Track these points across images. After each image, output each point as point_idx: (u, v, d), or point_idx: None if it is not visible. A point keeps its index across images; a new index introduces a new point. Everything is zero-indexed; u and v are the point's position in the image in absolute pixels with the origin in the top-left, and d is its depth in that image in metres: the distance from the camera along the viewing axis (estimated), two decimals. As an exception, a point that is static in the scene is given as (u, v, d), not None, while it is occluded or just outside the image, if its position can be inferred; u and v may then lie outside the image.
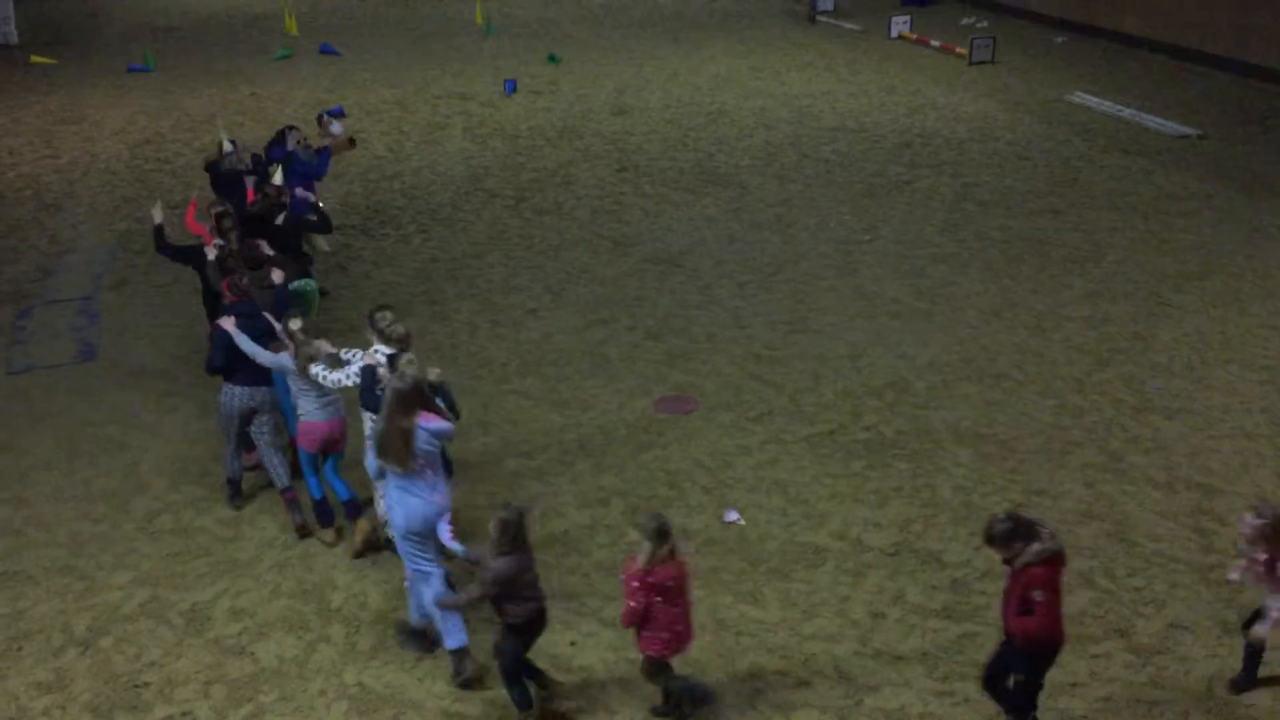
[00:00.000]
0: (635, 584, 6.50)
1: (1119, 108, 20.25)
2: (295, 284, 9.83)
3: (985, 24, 27.84)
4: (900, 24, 26.68)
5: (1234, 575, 6.99)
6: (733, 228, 15.03)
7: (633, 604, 6.53)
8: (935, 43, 25.46)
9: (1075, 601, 7.92)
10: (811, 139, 18.81)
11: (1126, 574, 8.23)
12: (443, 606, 7.20)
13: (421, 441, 7.13)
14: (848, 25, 28.13)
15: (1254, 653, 7.14)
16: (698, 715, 7.00)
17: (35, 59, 24.46)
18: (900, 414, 10.41)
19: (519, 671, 6.90)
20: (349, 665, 7.47)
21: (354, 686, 7.30)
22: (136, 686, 7.32)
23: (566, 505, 9.14)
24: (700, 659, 7.46)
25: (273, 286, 9.46)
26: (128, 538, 8.81)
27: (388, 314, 8.38)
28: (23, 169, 17.59)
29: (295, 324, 8.70)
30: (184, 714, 7.10)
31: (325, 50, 25.44)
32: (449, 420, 7.55)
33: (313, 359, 8.32)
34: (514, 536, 6.65)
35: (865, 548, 8.57)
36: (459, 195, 16.32)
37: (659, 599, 6.52)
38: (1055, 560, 6.28)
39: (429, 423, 7.18)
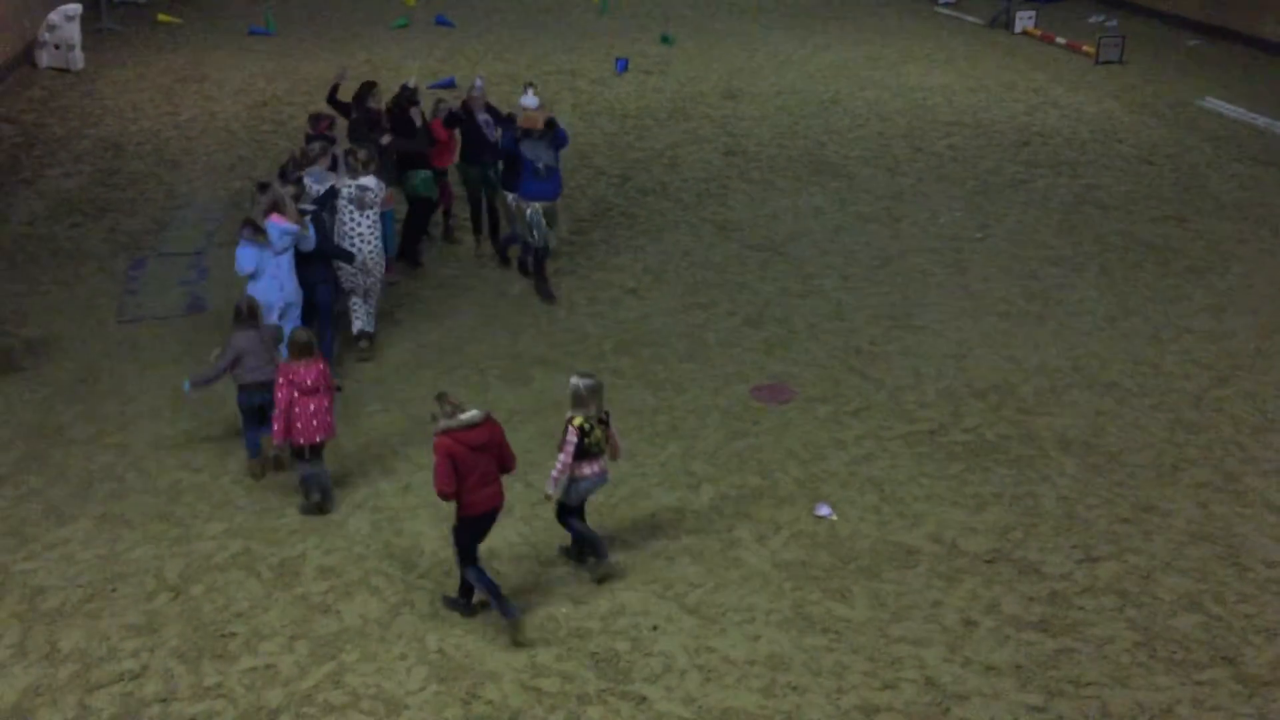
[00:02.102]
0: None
1: (1252, 115, 19.40)
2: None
3: (1114, 23, 26.90)
4: (1025, 19, 25.93)
5: None
6: (839, 218, 14.75)
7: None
8: (1061, 40, 24.69)
9: (1180, 625, 7.59)
10: (926, 132, 18.38)
11: (1237, 600, 7.85)
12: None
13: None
14: (970, 18, 27.45)
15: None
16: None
17: (162, 17, 25.09)
18: (1004, 418, 10.09)
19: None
20: (431, 631, 7.48)
21: (435, 653, 7.30)
22: (223, 636, 7.42)
23: (655, 488, 9.05)
24: (782, 653, 7.31)
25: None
26: (224, 489, 8.95)
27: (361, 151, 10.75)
28: (144, 124, 18.04)
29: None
30: (268, 666, 7.18)
31: (440, 22, 25.62)
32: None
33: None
34: (246, 317, 8.82)
35: (960, 553, 8.31)
36: (564, 171, 16.25)
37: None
38: (453, 433, 7.14)
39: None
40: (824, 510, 8.75)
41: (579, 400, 7.62)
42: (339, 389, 8.90)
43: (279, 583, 7.92)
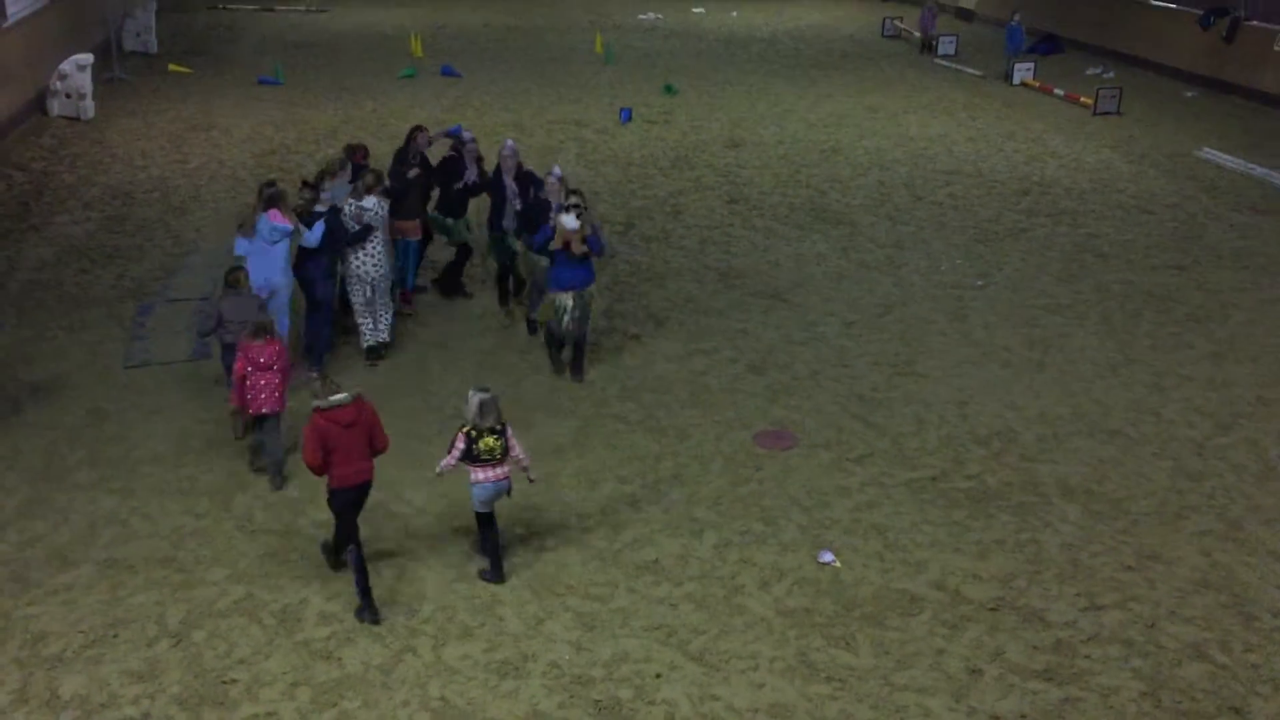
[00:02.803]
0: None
1: (1250, 165, 19.56)
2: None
3: (1112, 74, 27.22)
4: (1023, 71, 26.23)
5: None
6: (842, 266, 14.84)
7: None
8: (1059, 91, 24.97)
9: (1187, 675, 7.56)
10: (927, 181, 18.53)
11: (1243, 649, 7.82)
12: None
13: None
14: (969, 70, 27.76)
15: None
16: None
17: (173, 67, 25.42)
18: (1006, 465, 10.10)
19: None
20: (433, 678, 7.45)
21: (437, 700, 7.27)
22: (224, 683, 7.39)
23: (657, 534, 9.04)
24: (786, 702, 7.28)
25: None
26: (227, 535, 8.96)
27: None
28: (153, 171, 18.22)
29: None
30: (269, 714, 7.15)
31: (446, 72, 25.94)
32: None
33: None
34: (230, 285, 10.04)
35: (964, 600, 8.29)
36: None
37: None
38: (323, 412, 7.84)
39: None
40: (827, 557, 8.73)
41: (471, 412, 8.20)
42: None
43: (281, 629, 7.90)
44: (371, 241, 11.37)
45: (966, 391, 11.44)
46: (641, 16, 36.19)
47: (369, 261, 11.39)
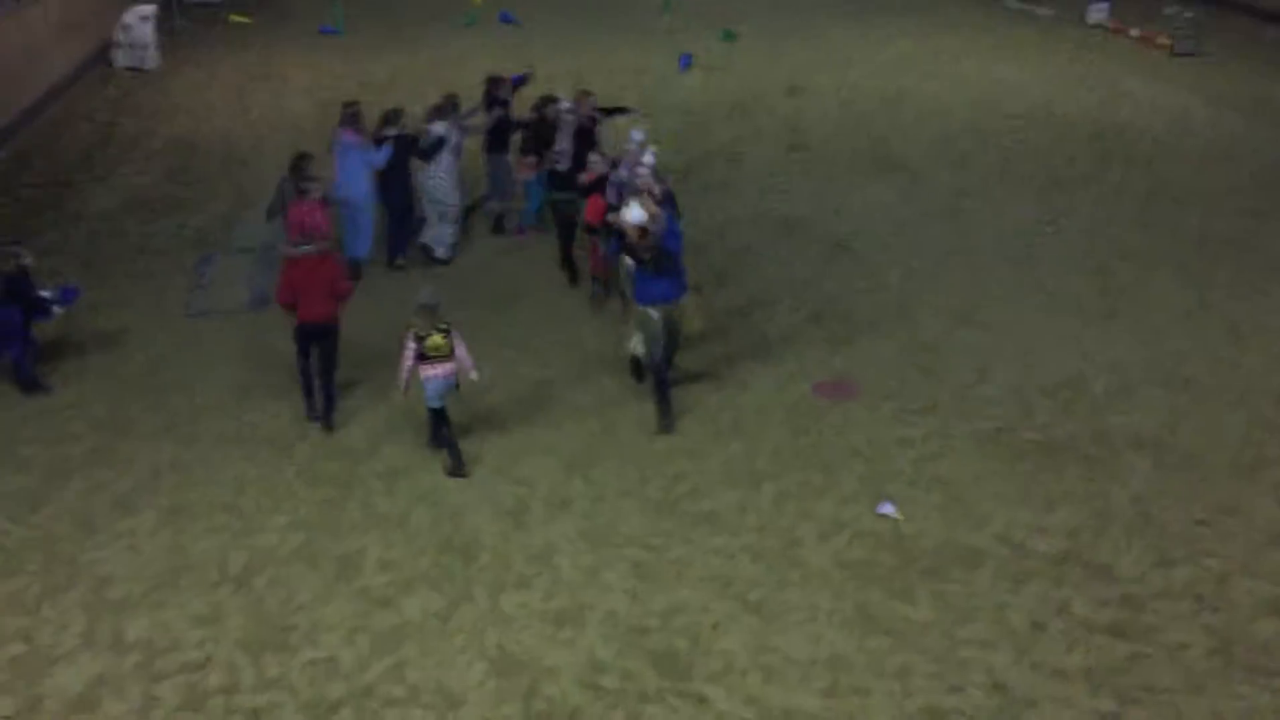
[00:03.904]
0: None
1: (1336, 107, 18.78)
2: None
3: (1191, 14, 26.20)
4: (1098, 11, 25.37)
5: None
6: (904, 214, 14.52)
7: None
8: (1135, 32, 24.13)
9: (1259, 631, 7.34)
10: (994, 127, 18.04)
11: (1320, 606, 7.57)
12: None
13: None
14: (1040, 11, 26.92)
15: None
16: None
17: (234, 18, 25.45)
18: (1075, 416, 9.84)
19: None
20: (490, 627, 7.46)
21: (494, 649, 7.28)
22: (285, 628, 7.46)
23: (716, 485, 8.95)
24: (845, 654, 7.19)
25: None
26: (287, 482, 9.03)
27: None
28: (216, 122, 18.32)
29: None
30: (329, 659, 7.21)
31: (504, 19, 25.71)
32: None
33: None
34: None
35: (1029, 553, 8.11)
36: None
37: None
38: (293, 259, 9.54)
39: None
40: (888, 509, 8.59)
41: (416, 313, 8.88)
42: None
43: (340, 576, 7.96)
44: (436, 164, 12.50)
45: (1033, 341, 11.15)
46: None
47: (430, 182, 12.64)
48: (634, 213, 9.52)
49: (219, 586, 7.85)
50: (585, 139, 12.40)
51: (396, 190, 12.68)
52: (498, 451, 9.37)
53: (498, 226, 13.84)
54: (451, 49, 23.02)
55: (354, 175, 12.32)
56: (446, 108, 13.01)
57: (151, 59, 21.34)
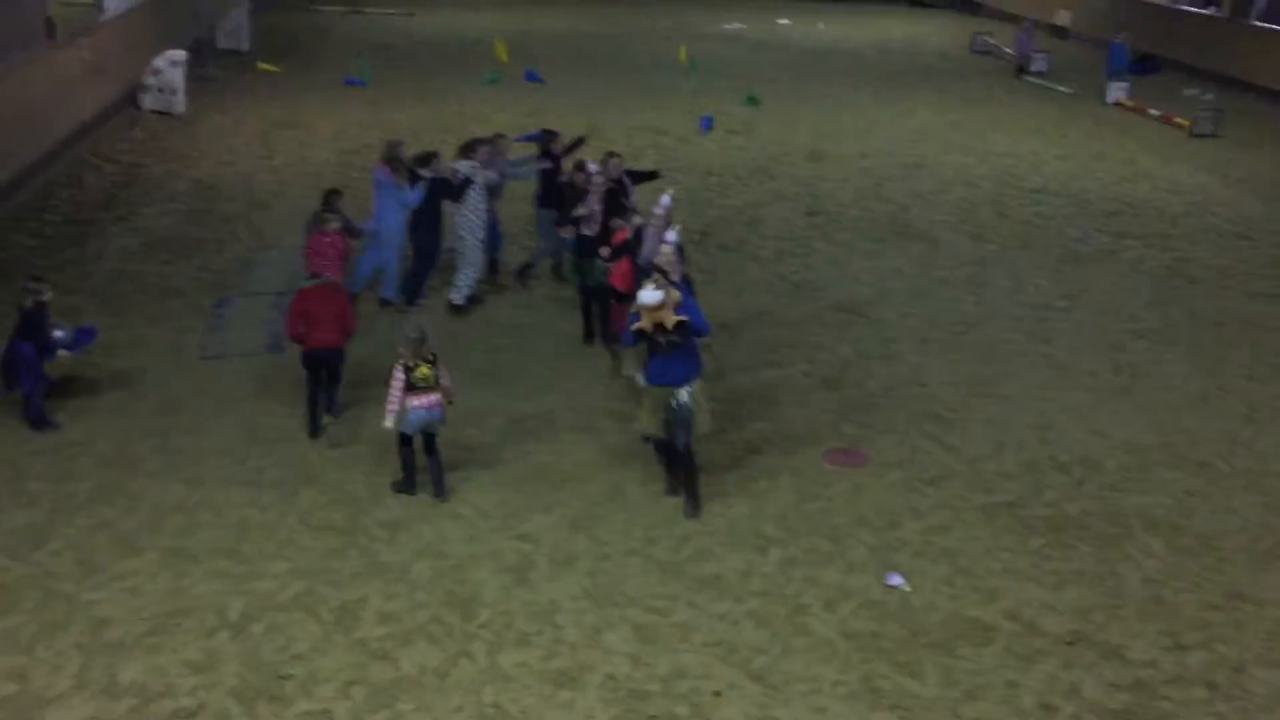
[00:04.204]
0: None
1: (1355, 193, 18.80)
2: None
3: (1210, 96, 26.40)
4: (1117, 90, 25.57)
5: None
6: (921, 283, 14.53)
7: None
8: (1154, 111, 24.29)
9: (1274, 722, 7.17)
10: (1012, 199, 18.10)
11: (1336, 698, 7.40)
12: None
13: None
14: (1060, 88, 27.14)
15: None
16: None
17: (262, 66, 25.85)
18: (1088, 494, 9.73)
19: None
20: (488, 684, 7.34)
21: (490, 706, 7.16)
22: (281, 678, 7.36)
23: (721, 548, 8.85)
24: (849, 728, 7.05)
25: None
26: (290, 529, 8.96)
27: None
28: (239, 167, 18.50)
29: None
30: (323, 711, 7.09)
31: (530, 77, 26.03)
32: None
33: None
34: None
35: (1039, 632, 7.97)
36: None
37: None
38: (303, 292, 10.18)
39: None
40: (896, 580, 8.47)
41: (404, 345, 9.05)
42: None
43: (339, 626, 7.86)
44: (464, 203, 12.64)
45: (1048, 416, 11.07)
46: (726, 26, 36.02)
47: (457, 218, 12.77)
48: (648, 294, 8.95)
49: (216, 632, 7.76)
50: (613, 202, 12.30)
51: (425, 232, 12.87)
52: (503, 506, 9.30)
53: (522, 274, 13.91)
54: (475, 104, 23.29)
55: (386, 212, 12.70)
56: (473, 147, 13.08)
57: (179, 103, 21.62)
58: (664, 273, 9.49)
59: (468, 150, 13.00)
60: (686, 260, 10.37)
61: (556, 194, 13.21)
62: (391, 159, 12.73)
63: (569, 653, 7.64)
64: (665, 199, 11.11)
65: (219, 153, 19.26)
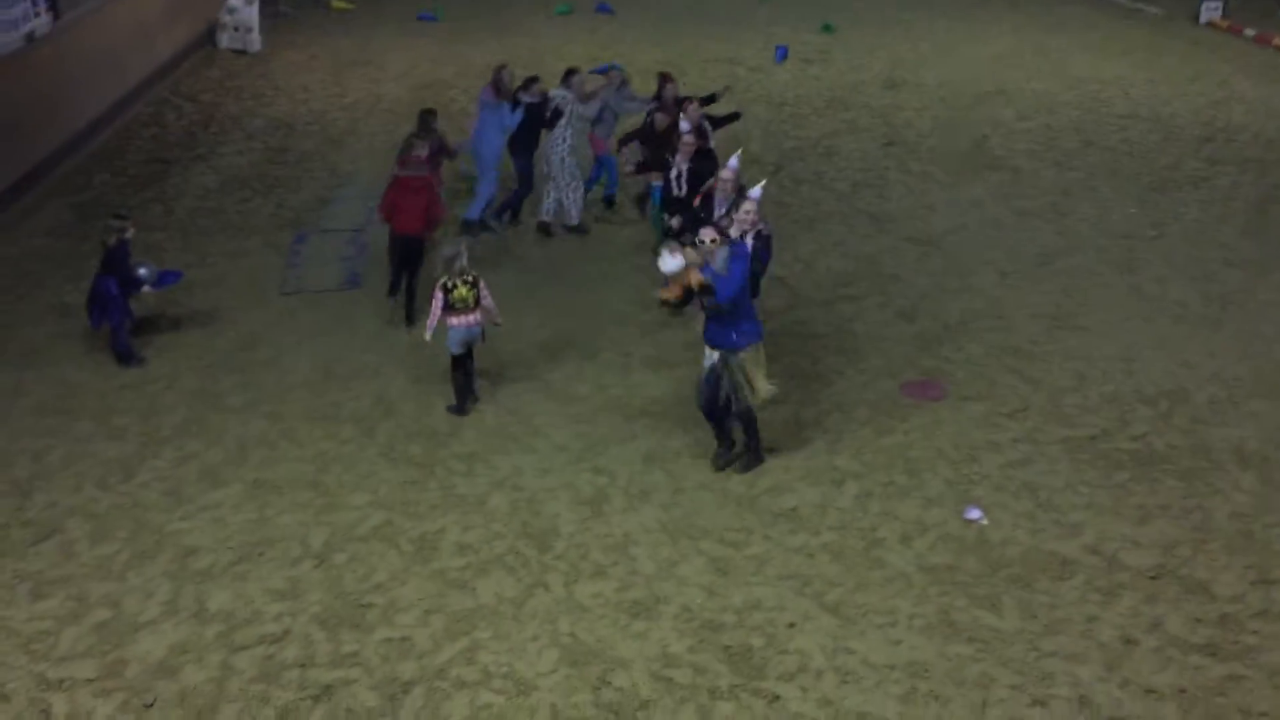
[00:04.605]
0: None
1: None
2: None
3: (1310, 14, 25.20)
4: (1211, 10, 24.51)
5: None
6: (1001, 213, 14.17)
7: None
8: (1250, 32, 23.27)
9: (1367, 659, 6.98)
10: (1099, 126, 17.52)
11: None
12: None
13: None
14: (1150, 9, 26.11)
15: None
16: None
17: (335, 3, 25.85)
18: (1175, 426, 9.49)
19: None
20: (564, 614, 7.43)
21: (567, 636, 7.24)
22: (362, 605, 7.52)
23: (797, 482, 8.80)
24: (924, 660, 7.01)
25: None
26: (370, 461, 9.10)
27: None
28: (313, 105, 18.59)
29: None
30: (403, 638, 7.24)
31: (601, 10, 25.71)
32: None
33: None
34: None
35: (1121, 566, 7.83)
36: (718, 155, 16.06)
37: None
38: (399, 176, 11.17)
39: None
40: (974, 514, 8.36)
41: (442, 266, 9.39)
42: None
43: (418, 556, 7.99)
44: (554, 130, 12.92)
45: (1134, 348, 10.79)
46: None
47: (546, 147, 13.07)
48: (666, 262, 8.37)
49: (300, 562, 7.94)
50: (704, 158, 11.58)
51: (521, 155, 13.21)
52: (578, 440, 9.34)
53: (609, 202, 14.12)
54: (547, 37, 23.08)
55: (485, 132, 12.99)
56: (567, 77, 13.21)
57: (255, 42, 21.74)
58: (721, 232, 8.46)
59: (566, 78, 13.16)
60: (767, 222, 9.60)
61: (645, 137, 12.92)
62: (496, 81, 12.98)
63: (644, 584, 7.69)
64: (733, 161, 10.42)
65: (294, 90, 19.36)
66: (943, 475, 8.87)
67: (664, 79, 13.25)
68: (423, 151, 11.42)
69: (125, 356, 10.47)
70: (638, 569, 7.84)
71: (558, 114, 12.93)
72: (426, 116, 12.47)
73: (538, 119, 12.99)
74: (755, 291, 9.44)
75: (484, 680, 6.90)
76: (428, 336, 9.62)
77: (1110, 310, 11.57)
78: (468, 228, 13.08)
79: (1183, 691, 6.76)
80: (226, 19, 21.70)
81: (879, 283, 12.22)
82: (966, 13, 25.88)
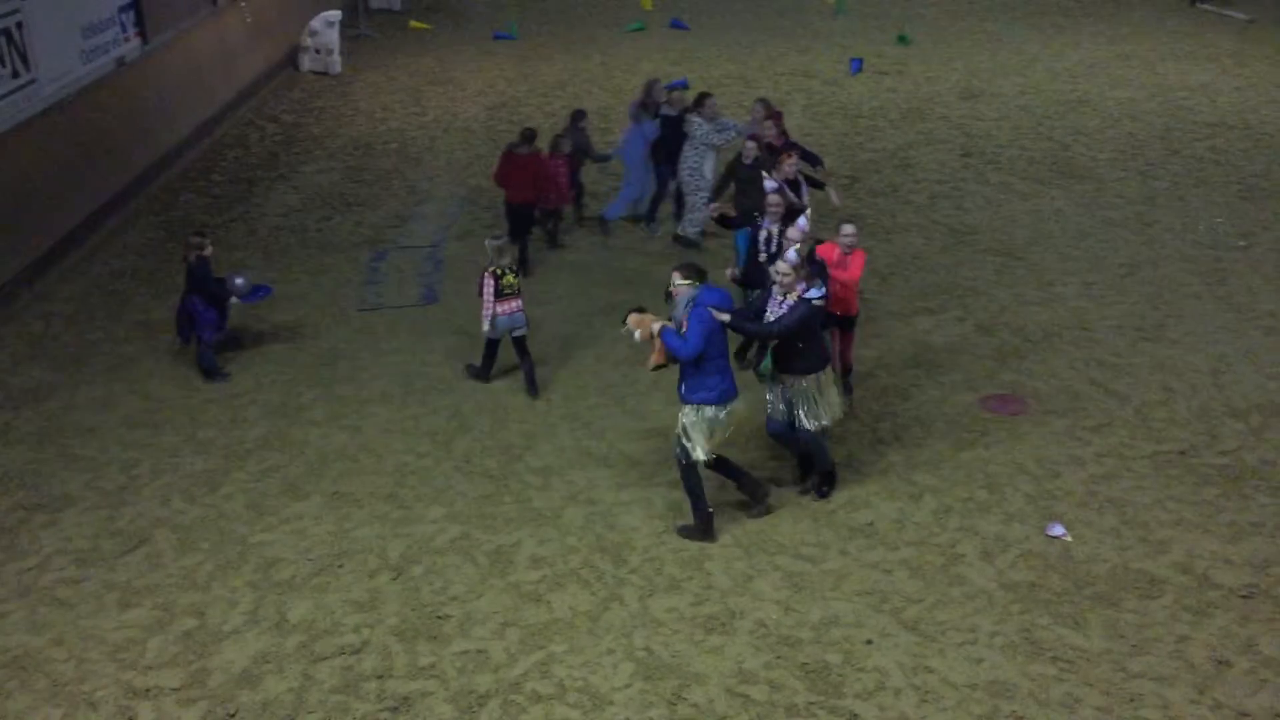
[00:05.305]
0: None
1: None
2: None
3: None
4: (1302, 13, 23.83)
5: None
6: (1084, 223, 13.89)
7: None
8: (1343, 34, 22.58)
9: None
10: (1185, 134, 17.12)
11: None
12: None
13: None
14: (1236, 15, 25.46)
15: None
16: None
17: (414, 24, 26.27)
18: (1267, 441, 9.20)
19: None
20: (639, 628, 7.41)
21: (641, 650, 7.23)
22: (439, 618, 7.57)
23: (873, 496, 8.70)
24: (1006, 679, 6.86)
25: None
26: (446, 475, 9.18)
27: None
28: (392, 123, 18.90)
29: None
30: (479, 651, 7.27)
31: (675, 25, 25.78)
32: None
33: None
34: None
35: (1212, 585, 7.60)
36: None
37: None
38: (510, 153, 12.61)
39: None
40: (1057, 530, 8.18)
41: (493, 255, 9.95)
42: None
43: (494, 570, 8.03)
44: (685, 148, 13.25)
45: (1223, 360, 10.49)
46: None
47: (680, 163, 13.40)
48: (630, 332, 8.39)
49: (378, 574, 8.03)
50: (791, 219, 9.95)
51: (660, 163, 13.92)
52: (652, 455, 9.33)
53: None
54: (621, 53, 23.20)
55: (630, 140, 13.85)
56: (702, 101, 13.48)
57: (336, 64, 22.17)
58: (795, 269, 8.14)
59: (698, 103, 13.48)
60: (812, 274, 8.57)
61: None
62: (646, 93, 13.96)
63: (719, 599, 7.64)
64: (802, 221, 9.48)
65: (373, 110, 19.70)
66: (1024, 491, 8.70)
67: (765, 108, 13.01)
68: (566, 147, 12.91)
69: (210, 372, 10.70)
70: (713, 583, 7.80)
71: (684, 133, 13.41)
72: (575, 119, 13.84)
73: (675, 131, 13.50)
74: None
75: (559, 694, 6.91)
76: (485, 328, 10.09)
77: (1198, 321, 11.27)
78: (602, 224, 13.95)
79: (1277, 716, 6.53)
80: (308, 42, 22.16)
81: (958, 295, 12.05)
82: (1046, 22, 25.48)
